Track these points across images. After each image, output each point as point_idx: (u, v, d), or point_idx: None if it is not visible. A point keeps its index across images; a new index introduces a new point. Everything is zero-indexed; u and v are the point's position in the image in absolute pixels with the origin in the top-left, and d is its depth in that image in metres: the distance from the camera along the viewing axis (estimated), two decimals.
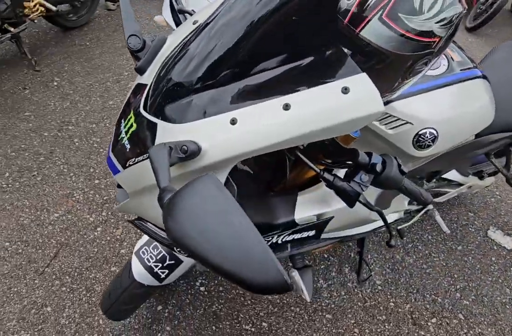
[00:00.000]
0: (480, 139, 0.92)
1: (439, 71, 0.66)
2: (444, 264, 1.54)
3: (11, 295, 1.22)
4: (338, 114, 0.40)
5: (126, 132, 0.49)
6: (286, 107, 0.40)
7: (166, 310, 1.24)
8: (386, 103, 0.62)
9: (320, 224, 0.67)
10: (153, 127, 0.45)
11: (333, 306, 1.34)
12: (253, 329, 1.24)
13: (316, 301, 1.34)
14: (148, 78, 0.50)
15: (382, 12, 0.38)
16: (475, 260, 1.58)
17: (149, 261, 0.80)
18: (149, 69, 0.51)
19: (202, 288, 1.31)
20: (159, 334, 1.19)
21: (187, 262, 0.81)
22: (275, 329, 1.25)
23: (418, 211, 1.30)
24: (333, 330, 1.27)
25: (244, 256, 0.26)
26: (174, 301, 1.26)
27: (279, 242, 0.65)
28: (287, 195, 0.66)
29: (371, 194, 0.77)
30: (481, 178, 1.35)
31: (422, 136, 0.64)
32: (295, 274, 0.83)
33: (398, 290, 1.42)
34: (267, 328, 1.25)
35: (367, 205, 0.59)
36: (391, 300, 1.38)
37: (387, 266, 1.49)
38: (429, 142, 0.65)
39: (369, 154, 0.57)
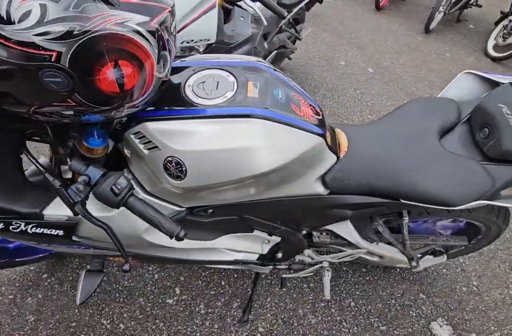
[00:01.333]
0: (332, 197, 0.81)
1: (213, 101, 0.62)
2: None
3: None
4: None
5: None
6: None
7: (48, 280, 1.34)
8: (140, 122, 0.61)
9: (67, 226, 0.68)
10: None
11: (197, 334, 1.27)
12: (108, 326, 1.26)
13: (184, 324, 1.29)
14: None
15: None
16: None
17: None
18: None
19: None
20: (30, 298, 1.29)
21: None
22: (129, 334, 1.24)
23: (311, 265, 1.17)
24: None
25: None
26: (59, 275, 1.36)
27: (29, 231, 0.68)
28: (49, 190, 0.70)
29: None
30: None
31: (168, 164, 0.61)
32: (82, 274, 0.84)
33: None
34: (121, 330, 1.25)
35: (86, 215, 0.59)
36: None
37: (282, 316, 1.35)
38: (177, 172, 0.62)
39: (87, 166, 0.57)
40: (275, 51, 2.02)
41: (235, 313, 1.34)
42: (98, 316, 1.27)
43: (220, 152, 0.60)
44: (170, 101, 0.63)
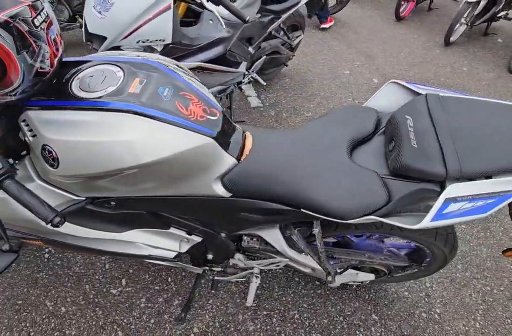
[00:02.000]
0: (235, 201, 0.80)
1: (93, 94, 0.64)
2: None
3: None
4: None
5: None
6: None
7: None
8: (26, 110, 0.65)
9: None
10: None
11: (132, 327, 1.29)
12: (50, 308, 1.31)
13: (122, 314, 1.32)
14: None
15: None
16: None
17: None
18: None
19: (46, 255, 1.45)
20: None
21: None
22: (68, 318, 1.29)
23: (244, 269, 1.16)
24: None
25: None
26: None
27: None
28: None
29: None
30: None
31: (43, 151, 0.64)
32: None
33: None
34: (61, 313, 1.30)
35: None
36: None
37: (221, 320, 1.34)
38: (51, 160, 0.65)
39: None
40: (265, 56, 2.03)
41: (174, 310, 1.35)
42: (43, 297, 1.33)
43: (89, 144, 0.62)
44: (55, 91, 0.66)
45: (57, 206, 0.76)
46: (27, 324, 1.26)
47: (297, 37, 2.22)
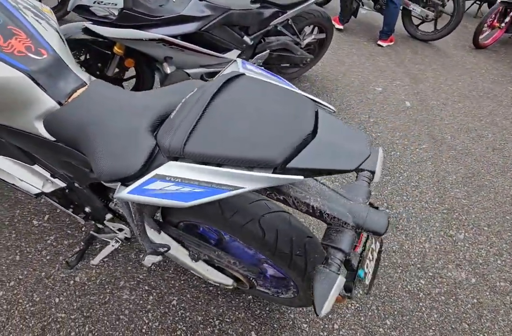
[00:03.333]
0: (59, 146, 0.82)
1: None
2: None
3: None
4: None
5: None
6: None
7: None
8: None
9: None
10: None
11: (29, 256, 1.39)
12: None
13: (28, 243, 1.43)
14: None
15: None
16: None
17: None
18: None
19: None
20: None
21: None
22: None
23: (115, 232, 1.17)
24: None
25: None
26: None
27: None
28: None
29: None
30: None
31: None
32: None
33: (71, 305, 1.30)
34: None
35: None
36: (55, 311, 1.29)
37: (103, 278, 1.36)
38: None
39: None
40: (268, 51, 1.98)
41: (70, 255, 1.42)
42: None
43: None
44: None
45: None
46: None
47: (307, 38, 2.12)
